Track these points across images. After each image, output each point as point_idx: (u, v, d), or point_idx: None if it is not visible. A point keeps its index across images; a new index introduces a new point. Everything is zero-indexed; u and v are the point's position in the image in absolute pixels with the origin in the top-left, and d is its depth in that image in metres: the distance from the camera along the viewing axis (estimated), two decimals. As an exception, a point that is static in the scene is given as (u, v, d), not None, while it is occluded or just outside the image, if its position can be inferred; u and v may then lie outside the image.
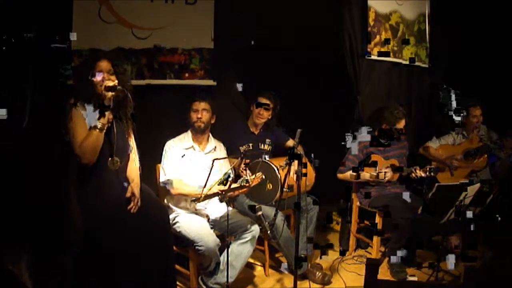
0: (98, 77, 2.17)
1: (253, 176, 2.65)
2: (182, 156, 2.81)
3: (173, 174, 2.77)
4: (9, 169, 1.04)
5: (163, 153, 2.84)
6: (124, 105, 2.25)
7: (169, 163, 2.79)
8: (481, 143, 3.56)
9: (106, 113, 2.12)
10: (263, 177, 2.70)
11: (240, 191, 2.68)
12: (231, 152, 3.07)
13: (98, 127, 2.09)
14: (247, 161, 2.98)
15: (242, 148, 3.23)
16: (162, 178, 2.80)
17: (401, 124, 3.32)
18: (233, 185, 2.54)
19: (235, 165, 2.53)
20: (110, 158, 2.18)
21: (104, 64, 2.21)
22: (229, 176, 2.55)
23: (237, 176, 2.66)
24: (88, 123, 2.14)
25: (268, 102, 3.25)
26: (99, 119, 2.11)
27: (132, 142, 2.38)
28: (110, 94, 2.11)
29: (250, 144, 3.31)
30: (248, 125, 3.36)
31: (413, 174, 3.25)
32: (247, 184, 2.59)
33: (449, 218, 2.84)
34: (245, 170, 2.64)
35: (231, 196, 2.76)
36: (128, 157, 2.34)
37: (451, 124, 3.81)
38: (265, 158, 3.03)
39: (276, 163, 3.00)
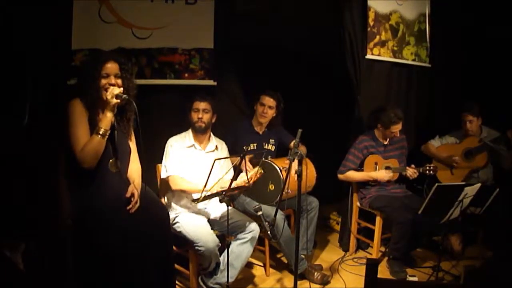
0: (104, 81, 2.12)
1: (252, 172, 2.64)
2: (182, 157, 2.82)
3: (174, 170, 2.77)
4: (8, 167, 1.05)
5: (165, 149, 2.84)
6: (126, 109, 2.24)
7: (170, 160, 2.79)
8: (481, 142, 3.56)
9: (110, 118, 2.09)
10: (262, 171, 2.69)
11: (241, 189, 2.68)
12: (235, 152, 3.07)
13: (101, 133, 2.05)
14: (250, 156, 2.97)
15: (245, 148, 3.24)
16: (163, 175, 2.81)
17: (396, 128, 3.31)
18: (234, 184, 2.54)
19: (236, 164, 2.52)
20: (110, 160, 2.17)
21: (112, 67, 2.14)
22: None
23: (237, 175, 2.65)
24: (90, 128, 2.11)
25: (271, 100, 3.26)
26: (102, 124, 2.07)
27: (133, 144, 2.37)
28: (115, 101, 2.06)
29: (254, 144, 3.31)
30: (253, 125, 3.37)
31: (408, 173, 3.25)
32: (247, 183, 2.59)
33: (449, 218, 2.84)
34: (246, 168, 2.63)
35: (233, 195, 2.75)
36: (129, 159, 2.34)
37: (451, 124, 3.81)
38: (267, 158, 3.03)
39: (279, 163, 3.00)
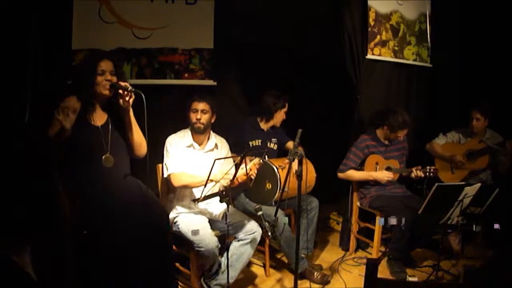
0: (100, 78, 2.19)
1: (251, 163, 2.63)
2: (181, 155, 2.81)
3: (175, 167, 2.75)
4: (9, 165, 1.05)
5: (165, 148, 2.82)
6: (120, 103, 2.26)
7: (170, 157, 2.78)
8: (483, 144, 3.55)
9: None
10: (261, 161, 2.69)
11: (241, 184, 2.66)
12: (238, 147, 3.07)
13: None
14: (251, 158, 2.97)
15: (251, 143, 3.27)
16: (165, 173, 2.79)
17: (402, 133, 3.32)
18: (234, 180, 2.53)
19: (237, 163, 2.51)
20: (104, 156, 2.19)
21: (108, 64, 2.22)
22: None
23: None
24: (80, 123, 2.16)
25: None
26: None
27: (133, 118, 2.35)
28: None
29: (259, 140, 3.33)
30: (258, 122, 3.38)
31: (413, 174, 3.25)
32: (246, 176, 2.57)
33: (449, 218, 2.84)
34: (245, 167, 2.61)
35: (232, 193, 2.73)
36: (124, 153, 2.34)
37: (452, 124, 3.81)
38: (265, 158, 3.04)
39: (276, 162, 3.00)
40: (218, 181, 2.56)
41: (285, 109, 3.36)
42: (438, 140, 3.75)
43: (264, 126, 3.38)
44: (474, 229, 2.93)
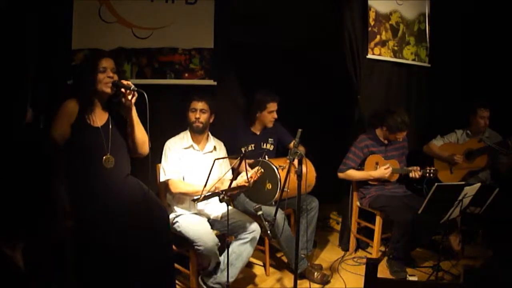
0: (102, 75, 2.18)
1: (252, 172, 2.64)
2: (180, 159, 2.82)
3: (173, 173, 2.77)
4: (8, 163, 1.05)
5: (163, 152, 2.84)
6: (122, 103, 2.25)
7: (169, 163, 2.79)
8: (483, 143, 3.55)
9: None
10: (262, 170, 2.70)
11: (241, 189, 2.68)
12: (232, 153, 3.07)
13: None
14: (250, 161, 2.97)
15: (243, 149, 3.24)
16: (162, 178, 2.80)
17: (401, 135, 3.32)
18: (233, 184, 2.54)
19: (235, 165, 2.52)
20: (104, 157, 2.18)
21: (108, 62, 2.22)
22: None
23: (236, 176, 2.65)
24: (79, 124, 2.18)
25: (276, 104, 3.29)
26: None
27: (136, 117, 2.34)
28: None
29: (252, 145, 3.31)
30: (249, 126, 3.37)
31: (411, 174, 3.26)
32: (247, 183, 2.59)
33: (449, 217, 2.84)
34: (246, 169, 2.62)
35: (232, 195, 2.75)
36: (125, 153, 2.34)
37: (451, 124, 3.81)
38: (265, 158, 3.04)
39: (276, 162, 3.00)
40: (216, 185, 2.56)
41: (269, 110, 3.27)
42: (436, 141, 3.75)
43: (255, 129, 3.38)
44: (474, 229, 2.93)
